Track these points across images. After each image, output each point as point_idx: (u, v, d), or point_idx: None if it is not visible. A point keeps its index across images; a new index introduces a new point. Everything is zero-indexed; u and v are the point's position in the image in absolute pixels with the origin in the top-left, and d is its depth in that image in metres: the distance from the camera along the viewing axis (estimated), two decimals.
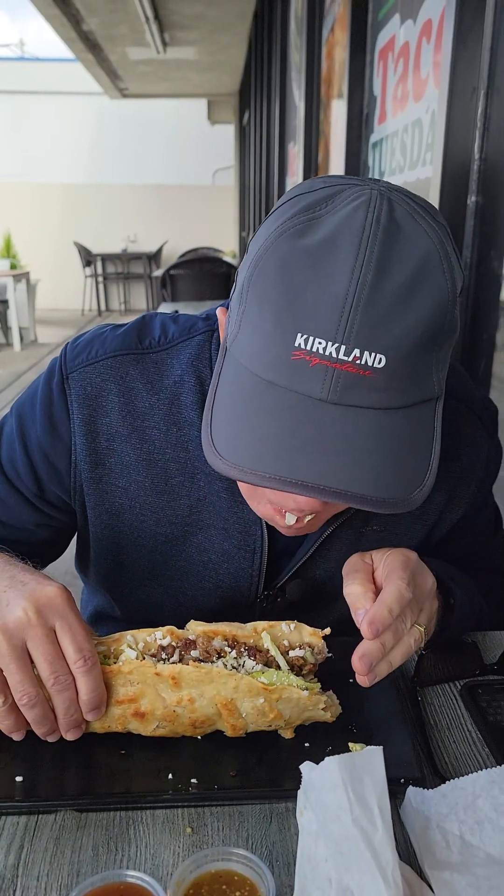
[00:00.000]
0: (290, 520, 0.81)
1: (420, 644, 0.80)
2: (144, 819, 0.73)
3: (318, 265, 0.69)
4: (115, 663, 0.78)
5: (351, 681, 0.89)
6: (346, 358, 0.67)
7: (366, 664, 0.75)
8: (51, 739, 0.78)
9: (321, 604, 1.03)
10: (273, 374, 0.71)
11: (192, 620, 0.82)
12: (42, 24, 8.62)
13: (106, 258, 12.71)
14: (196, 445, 0.94)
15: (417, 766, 0.76)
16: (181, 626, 0.83)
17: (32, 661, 0.75)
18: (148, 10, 7.63)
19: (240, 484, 0.89)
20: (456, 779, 0.70)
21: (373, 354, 0.67)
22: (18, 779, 0.76)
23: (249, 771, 0.77)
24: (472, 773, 0.72)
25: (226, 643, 0.79)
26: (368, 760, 0.63)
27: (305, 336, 0.68)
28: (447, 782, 0.70)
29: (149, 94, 12.79)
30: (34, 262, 11.80)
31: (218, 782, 0.75)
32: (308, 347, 0.67)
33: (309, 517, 0.81)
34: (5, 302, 9.39)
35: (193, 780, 0.75)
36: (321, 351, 0.67)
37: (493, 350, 1.54)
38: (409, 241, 0.70)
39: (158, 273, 7.31)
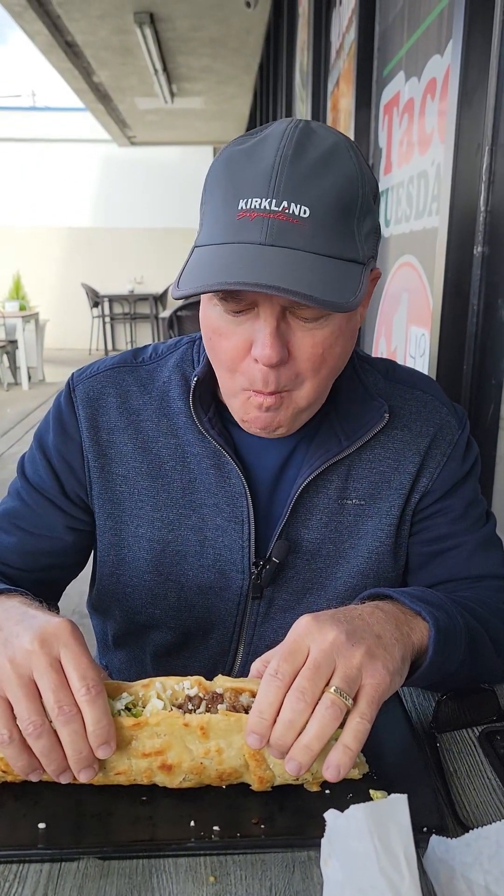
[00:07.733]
0: (261, 375, 0.89)
1: (345, 704, 0.73)
2: (167, 867, 0.73)
3: (251, 155, 0.87)
4: (141, 711, 0.78)
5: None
6: (276, 209, 0.82)
7: (295, 767, 0.73)
8: (63, 780, 0.76)
9: (316, 581, 1.09)
10: (223, 237, 0.85)
11: (220, 675, 0.82)
12: (53, 76, 8.92)
13: (113, 299, 12.93)
14: (185, 431, 1.07)
15: (439, 813, 0.76)
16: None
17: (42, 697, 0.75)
18: (157, 62, 7.91)
19: (222, 382, 0.97)
20: (479, 828, 0.70)
21: (298, 206, 0.82)
22: (41, 826, 0.75)
23: (272, 818, 0.77)
24: (494, 821, 0.73)
25: (253, 699, 0.79)
26: (393, 808, 0.64)
27: (246, 199, 0.84)
28: (471, 831, 0.70)
29: (156, 142, 13.15)
30: (43, 302, 12.00)
31: (240, 830, 0.75)
32: (248, 207, 0.83)
33: (275, 388, 0.90)
34: (14, 342, 9.52)
35: (216, 828, 0.75)
36: (258, 206, 0.83)
37: (501, 395, 1.57)
38: (321, 135, 0.88)
39: (165, 314, 7.41)
